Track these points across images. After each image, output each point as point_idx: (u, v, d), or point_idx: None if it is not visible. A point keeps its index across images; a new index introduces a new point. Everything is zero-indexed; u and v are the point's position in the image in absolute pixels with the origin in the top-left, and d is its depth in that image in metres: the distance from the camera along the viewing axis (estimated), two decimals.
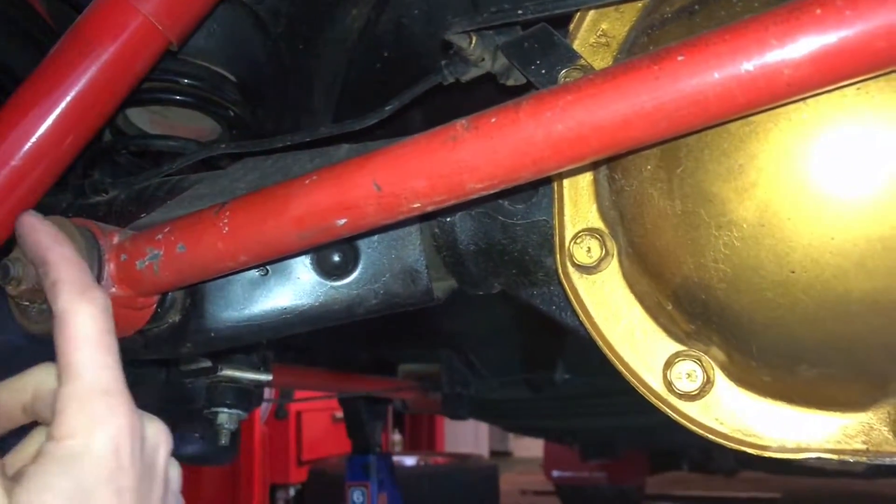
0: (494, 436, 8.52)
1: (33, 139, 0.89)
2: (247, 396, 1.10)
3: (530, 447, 7.54)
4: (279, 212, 0.62)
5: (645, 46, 0.63)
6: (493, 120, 0.55)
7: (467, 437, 7.74)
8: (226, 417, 1.08)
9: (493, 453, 8.36)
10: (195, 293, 0.77)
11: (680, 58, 0.50)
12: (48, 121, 0.89)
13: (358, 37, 1.31)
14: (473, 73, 0.81)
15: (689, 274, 0.60)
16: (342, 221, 0.61)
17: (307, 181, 0.62)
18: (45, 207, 0.98)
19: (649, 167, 0.61)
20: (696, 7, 0.60)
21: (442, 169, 0.57)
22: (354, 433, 2.59)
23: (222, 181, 0.87)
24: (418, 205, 0.59)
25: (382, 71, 1.35)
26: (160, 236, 0.67)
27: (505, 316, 1.84)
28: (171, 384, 1.13)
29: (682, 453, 4.57)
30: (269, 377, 1.11)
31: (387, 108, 0.86)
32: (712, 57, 0.49)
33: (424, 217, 0.77)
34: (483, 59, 0.78)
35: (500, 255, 0.78)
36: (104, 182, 0.96)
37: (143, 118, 1.31)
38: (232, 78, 1.30)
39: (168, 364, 1.18)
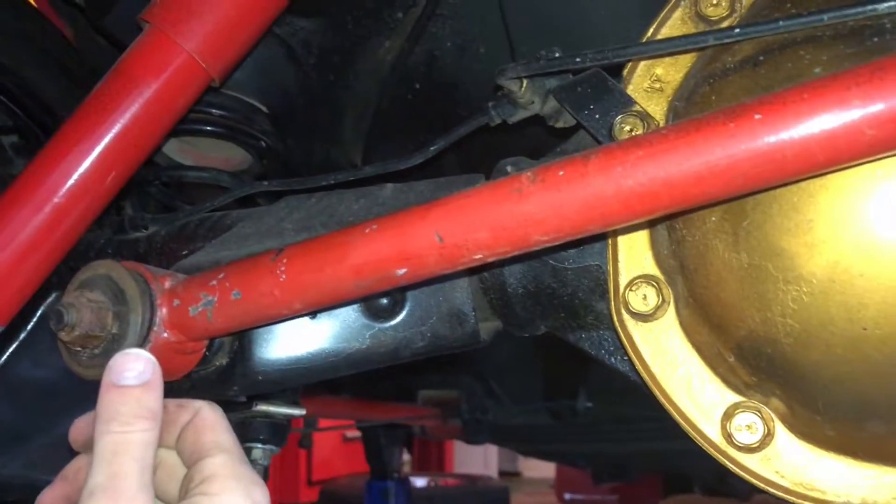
0: (503, 456, 8.46)
1: (76, 176, 0.89)
2: (280, 431, 1.09)
3: (539, 468, 7.49)
4: (338, 260, 0.62)
5: (707, 96, 0.63)
6: (561, 173, 0.55)
7: (476, 457, 7.69)
8: (260, 453, 1.07)
9: (503, 473, 8.30)
10: (243, 336, 0.76)
11: (757, 116, 0.49)
12: (91, 157, 0.89)
13: (390, 68, 1.31)
14: (521, 115, 0.81)
15: (754, 327, 0.60)
16: (402, 271, 0.61)
17: (367, 230, 0.62)
18: (84, 244, 0.98)
19: (713, 219, 0.60)
20: (761, 58, 0.60)
21: (507, 221, 0.56)
22: (373, 458, 2.57)
23: (267, 220, 0.86)
24: (480, 256, 0.58)
25: (414, 102, 1.35)
26: (214, 282, 0.66)
27: (526, 343, 1.83)
28: None
29: (695, 476, 4.53)
30: (303, 412, 1.11)
31: (431, 148, 0.86)
32: (791, 116, 0.48)
33: None
34: (532, 102, 0.78)
35: (548, 299, 0.77)
36: (144, 218, 0.95)
37: (172, 147, 1.32)
38: (263, 108, 1.30)
39: None
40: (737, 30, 0.59)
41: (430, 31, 1.25)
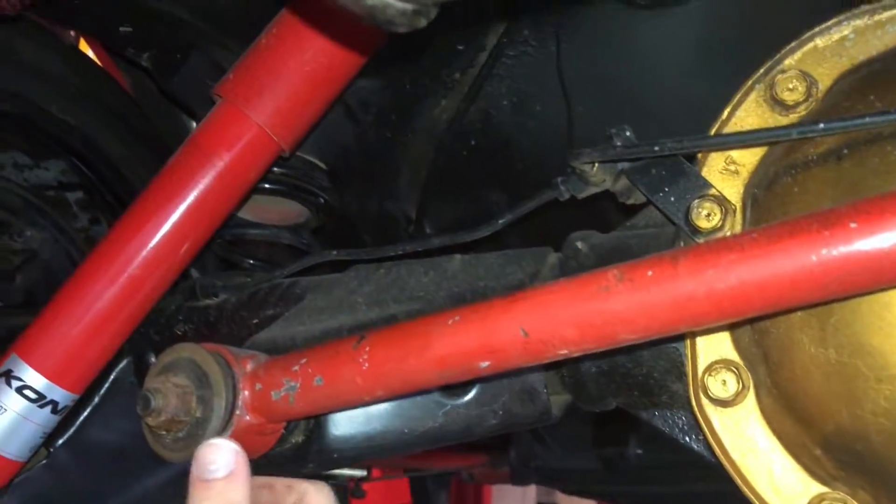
0: (541, 488, 8.38)
1: (151, 247, 0.91)
2: (342, 491, 1.10)
3: (577, 500, 7.39)
4: (421, 350, 0.63)
5: (789, 187, 0.63)
6: (650, 273, 0.55)
7: (514, 491, 7.61)
8: None
9: None
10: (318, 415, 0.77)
11: (853, 224, 0.49)
12: (165, 229, 0.92)
13: (446, 126, 1.33)
14: (591, 191, 0.81)
15: (843, 424, 0.59)
16: (485, 364, 0.61)
17: (449, 321, 0.62)
18: (156, 310, 1.00)
19: (799, 314, 0.60)
20: (845, 151, 0.60)
21: (594, 319, 0.57)
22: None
23: (337, 292, 0.88)
24: (565, 352, 0.59)
25: (469, 158, 1.36)
26: (297, 367, 0.68)
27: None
28: None
29: None
30: (364, 473, 1.11)
31: (499, 221, 0.86)
32: (889, 225, 0.48)
33: None
34: (604, 181, 0.79)
35: (622, 378, 0.77)
36: (214, 285, 0.97)
37: None
38: (323, 166, 1.33)
39: None
40: (821, 125, 0.59)
41: (486, 90, 1.27)
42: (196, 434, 0.68)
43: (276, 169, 1.24)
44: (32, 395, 0.86)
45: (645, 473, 2.42)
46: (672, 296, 0.54)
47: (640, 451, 2.04)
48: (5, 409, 0.85)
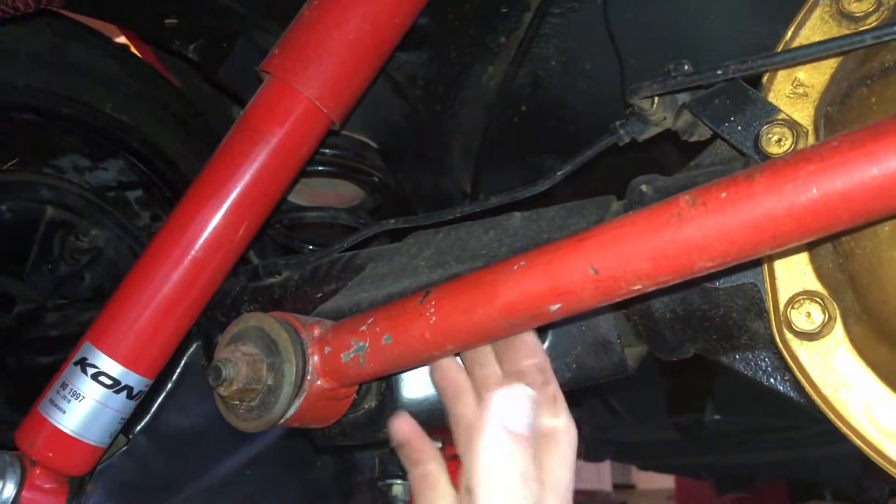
0: (616, 468, 8.28)
1: (211, 229, 0.91)
2: None
3: (655, 479, 7.28)
4: (488, 300, 0.61)
5: (866, 98, 0.59)
6: (724, 195, 0.52)
7: (589, 471, 7.54)
8: (400, 489, 1.07)
9: (617, 486, 8.12)
10: (390, 378, 0.76)
11: None
12: (223, 210, 0.92)
13: (495, 93, 1.31)
14: (652, 132, 0.78)
15: None
16: (556, 307, 0.59)
17: (515, 266, 0.61)
18: (221, 293, 1.00)
19: (886, 229, 0.57)
20: None
21: (668, 249, 0.54)
22: None
23: (398, 259, 0.87)
24: (639, 286, 0.56)
25: (521, 125, 1.34)
26: (364, 328, 0.67)
27: (648, 358, 1.78)
28: (342, 456, 1.13)
29: (826, 484, 4.31)
30: (440, 444, 1.10)
31: (559, 173, 0.84)
32: None
33: None
34: (664, 118, 0.76)
35: (699, 321, 0.74)
36: (276, 264, 0.97)
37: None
38: (374, 144, 1.32)
39: None
40: None
41: (533, 52, 1.24)
42: (269, 401, 0.67)
43: (328, 150, 1.24)
44: (108, 382, 0.87)
45: (724, 441, 2.36)
46: (750, 216, 0.51)
47: (717, 417, 1.99)
48: (83, 396, 0.87)
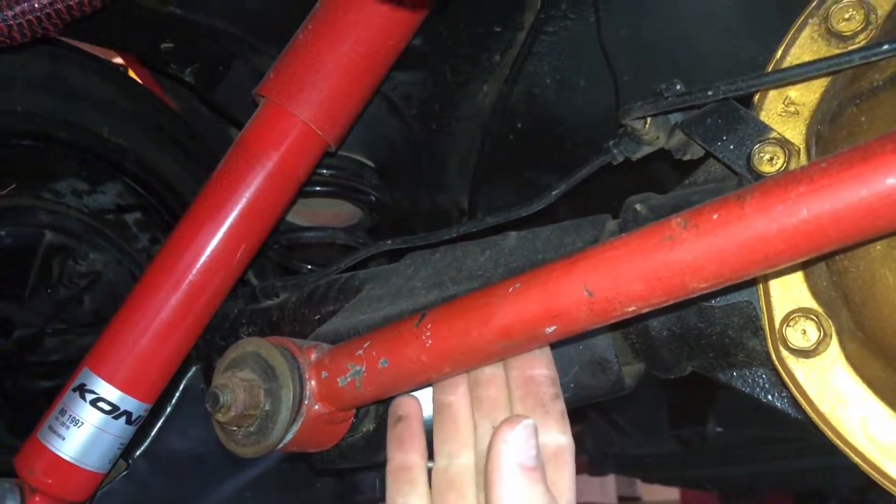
0: (621, 481, 8.24)
1: (208, 252, 0.92)
2: None
3: (660, 491, 7.24)
4: (483, 322, 0.61)
5: (855, 118, 0.60)
6: (715, 216, 0.52)
7: (592, 485, 7.50)
8: None
9: (622, 499, 8.08)
10: (388, 401, 0.76)
11: None
12: (221, 233, 0.92)
13: (490, 111, 1.31)
14: (645, 151, 0.79)
15: None
16: (551, 329, 0.59)
17: (510, 289, 0.61)
18: (219, 316, 1.01)
19: (878, 247, 0.57)
20: None
21: (660, 271, 0.54)
22: None
23: (395, 280, 0.87)
24: (633, 308, 0.57)
25: (516, 142, 1.35)
26: (360, 352, 0.67)
27: (649, 373, 1.77)
28: (343, 477, 1.13)
29: (830, 493, 4.29)
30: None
31: (553, 193, 0.85)
32: None
33: None
34: (657, 138, 0.76)
35: (696, 339, 0.74)
36: (274, 286, 0.97)
37: None
38: (370, 164, 1.32)
39: None
40: (885, 46, 0.56)
41: (527, 69, 1.25)
42: (267, 427, 0.67)
43: (325, 171, 1.25)
44: (107, 407, 0.87)
45: (726, 453, 2.35)
46: (741, 237, 0.51)
47: (719, 430, 1.98)
48: (82, 423, 0.87)
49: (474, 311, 0.62)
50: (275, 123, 0.93)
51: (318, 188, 1.26)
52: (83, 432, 0.87)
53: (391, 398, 0.75)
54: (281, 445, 0.69)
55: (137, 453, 1.01)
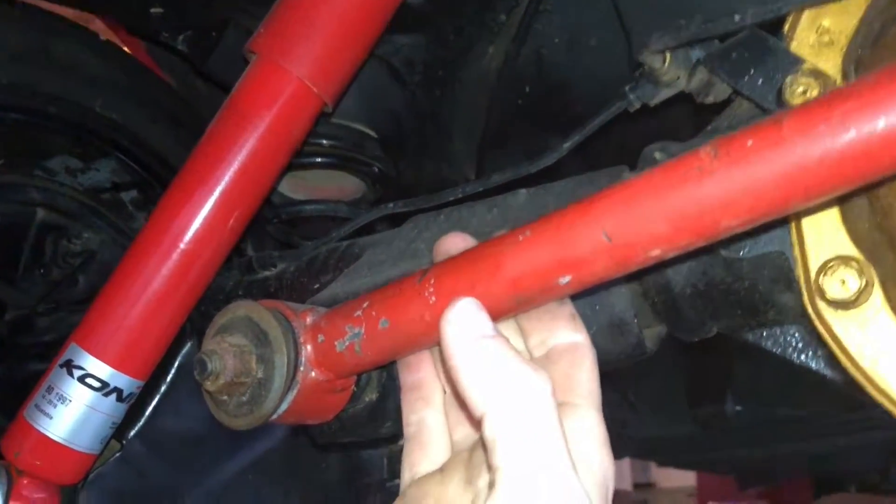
0: (635, 466, 8.18)
1: (200, 220, 0.87)
2: None
3: (675, 476, 7.19)
4: (492, 275, 0.56)
5: None
6: (750, 143, 0.47)
7: None
8: None
9: (637, 486, 8.02)
10: (391, 367, 0.71)
11: None
12: (212, 199, 0.87)
13: (496, 75, 1.26)
14: (664, 94, 0.73)
15: None
16: (566, 279, 0.54)
17: (520, 237, 0.55)
18: (214, 288, 0.95)
19: None
20: None
21: (688, 208, 0.49)
22: None
23: (397, 243, 0.81)
24: (657, 252, 0.51)
25: (525, 107, 1.29)
26: (359, 312, 0.61)
27: (663, 348, 1.72)
28: (348, 456, 1.08)
29: (850, 474, 4.22)
30: None
31: (565, 145, 0.79)
32: None
33: None
34: (678, 78, 0.70)
35: (722, 296, 0.68)
36: (271, 256, 0.92)
37: (284, 184, 1.30)
38: (372, 134, 1.27)
39: None
40: None
41: (535, 29, 1.19)
42: (260, 396, 0.62)
43: (324, 141, 1.20)
44: (96, 384, 0.83)
45: (745, 433, 2.29)
46: (780, 165, 0.46)
47: (738, 409, 1.92)
48: (70, 400, 0.82)
49: (481, 263, 0.57)
50: (267, 81, 0.88)
51: (317, 159, 1.21)
52: (72, 411, 0.82)
53: (394, 364, 0.70)
54: (276, 416, 0.64)
55: (131, 433, 0.96)
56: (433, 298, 0.58)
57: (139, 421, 0.97)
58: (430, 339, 0.60)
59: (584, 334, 0.60)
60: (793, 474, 4.03)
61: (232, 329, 0.65)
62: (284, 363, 0.62)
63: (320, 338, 0.63)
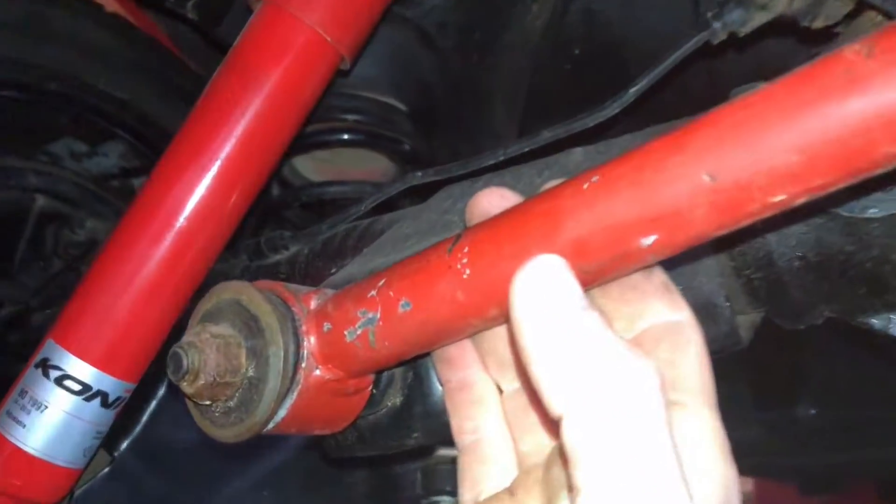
0: None
1: (197, 196, 0.74)
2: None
3: None
4: (546, 237, 0.41)
5: None
6: None
7: None
8: None
9: None
10: (418, 365, 0.57)
11: None
12: (211, 172, 0.74)
13: (541, 36, 1.11)
14: (758, 20, 0.58)
15: None
16: (649, 240, 0.39)
17: (585, 184, 0.41)
18: (218, 274, 0.83)
19: None
20: None
21: (831, 130, 0.34)
22: None
23: (427, 215, 0.68)
24: (783, 197, 0.36)
25: (573, 72, 1.14)
26: (374, 292, 0.48)
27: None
28: (377, 471, 0.94)
29: None
30: None
31: (630, 89, 0.65)
32: None
33: None
34: None
35: (841, 269, 0.53)
36: (283, 237, 0.79)
37: (308, 167, 1.18)
38: (401, 107, 1.14)
39: None
40: None
41: None
42: (251, 399, 0.49)
43: (348, 116, 1.08)
44: (75, 387, 0.70)
45: (816, 438, 2.11)
46: None
47: (813, 412, 1.74)
48: (45, 406, 0.70)
49: (532, 223, 0.42)
50: (274, 31, 0.75)
51: (342, 136, 1.09)
52: (48, 418, 0.70)
53: (422, 358, 0.56)
54: (272, 425, 0.50)
55: (124, 444, 0.84)
56: (467, 272, 0.44)
57: (133, 430, 0.84)
58: (467, 325, 0.46)
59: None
60: (858, 481, 3.81)
61: (218, 316, 0.51)
62: (281, 358, 0.48)
63: (326, 326, 0.50)
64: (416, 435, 0.57)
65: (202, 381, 0.48)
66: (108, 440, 0.76)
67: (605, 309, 0.46)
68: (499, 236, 0.44)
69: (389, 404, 0.57)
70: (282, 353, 0.48)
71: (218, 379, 0.48)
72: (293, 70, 0.75)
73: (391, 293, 0.47)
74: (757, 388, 1.81)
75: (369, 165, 1.17)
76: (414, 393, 0.57)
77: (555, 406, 0.36)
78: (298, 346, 0.50)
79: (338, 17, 0.75)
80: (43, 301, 1.04)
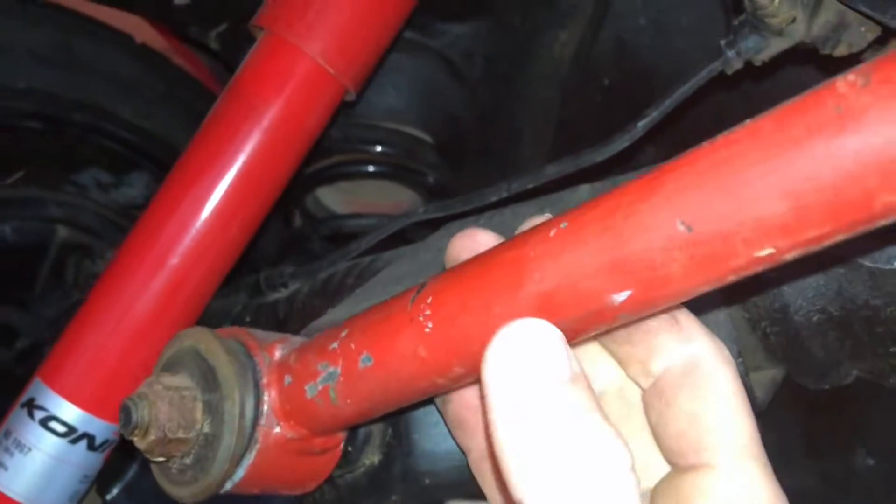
0: None
1: (194, 229, 0.72)
2: None
3: None
4: (509, 290, 0.37)
5: None
6: None
7: None
8: None
9: None
10: (398, 421, 0.53)
11: None
12: (210, 203, 0.72)
13: (570, 66, 1.07)
14: (775, 47, 0.53)
15: None
16: (621, 297, 0.35)
17: (552, 231, 0.37)
18: (217, 314, 0.80)
19: None
20: None
21: (820, 174, 0.29)
22: None
23: (423, 255, 0.64)
24: (769, 251, 0.31)
25: (603, 103, 1.10)
26: (335, 344, 0.44)
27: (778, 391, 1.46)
28: None
29: None
30: None
31: (639, 123, 0.60)
32: None
33: None
34: (793, 21, 0.50)
35: (867, 326, 0.47)
36: (283, 274, 0.76)
37: (332, 198, 1.16)
38: (427, 138, 1.11)
39: None
40: None
41: (615, 9, 1.01)
42: (206, 457, 0.45)
43: (373, 148, 1.06)
44: (60, 429, 0.68)
45: (874, 490, 1.99)
46: None
47: (872, 462, 1.63)
48: (29, 449, 0.68)
49: (495, 273, 0.38)
50: (276, 60, 0.73)
51: (366, 168, 1.07)
52: (32, 461, 0.68)
53: (400, 415, 0.52)
54: (230, 485, 0.47)
55: (116, 488, 0.81)
56: (429, 325, 0.39)
57: (126, 473, 0.82)
58: (431, 385, 0.41)
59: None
60: None
61: (178, 366, 0.48)
62: (237, 414, 0.45)
63: (287, 379, 0.46)
64: (394, 498, 0.53)
65: (153, 437, 0.45)
66: (101, 483, 0.74)
67: (615, 354, 0.41)
68: (461, 287, 0.39)
69: (367, 463, 0.53)
70: (237, 410, 0.45)
71: (169, 434, 0.45)
72: (294, 101, 0.72)
73: (352, 346, 0.43)
74: (810, 434, 1.70)
75: (395, 198, 1.14)
76: (393, 452, 0.52)
77: (513, 490, 0.32)
78: (258, 401, 0.46)
79: (341, 48, 0.72)
80: (58, 334, 1.03)
